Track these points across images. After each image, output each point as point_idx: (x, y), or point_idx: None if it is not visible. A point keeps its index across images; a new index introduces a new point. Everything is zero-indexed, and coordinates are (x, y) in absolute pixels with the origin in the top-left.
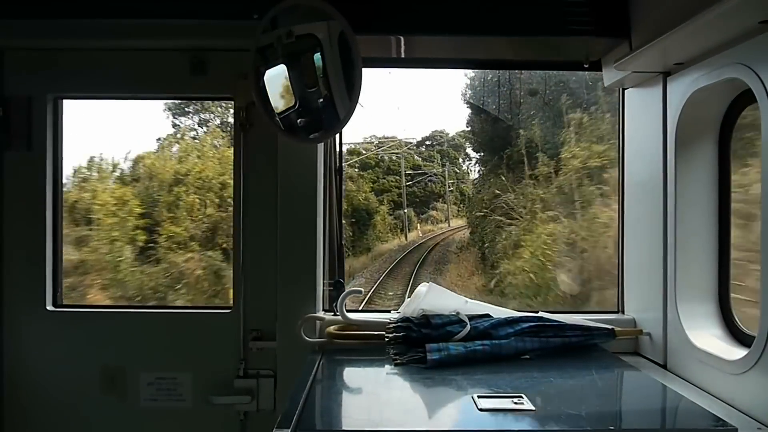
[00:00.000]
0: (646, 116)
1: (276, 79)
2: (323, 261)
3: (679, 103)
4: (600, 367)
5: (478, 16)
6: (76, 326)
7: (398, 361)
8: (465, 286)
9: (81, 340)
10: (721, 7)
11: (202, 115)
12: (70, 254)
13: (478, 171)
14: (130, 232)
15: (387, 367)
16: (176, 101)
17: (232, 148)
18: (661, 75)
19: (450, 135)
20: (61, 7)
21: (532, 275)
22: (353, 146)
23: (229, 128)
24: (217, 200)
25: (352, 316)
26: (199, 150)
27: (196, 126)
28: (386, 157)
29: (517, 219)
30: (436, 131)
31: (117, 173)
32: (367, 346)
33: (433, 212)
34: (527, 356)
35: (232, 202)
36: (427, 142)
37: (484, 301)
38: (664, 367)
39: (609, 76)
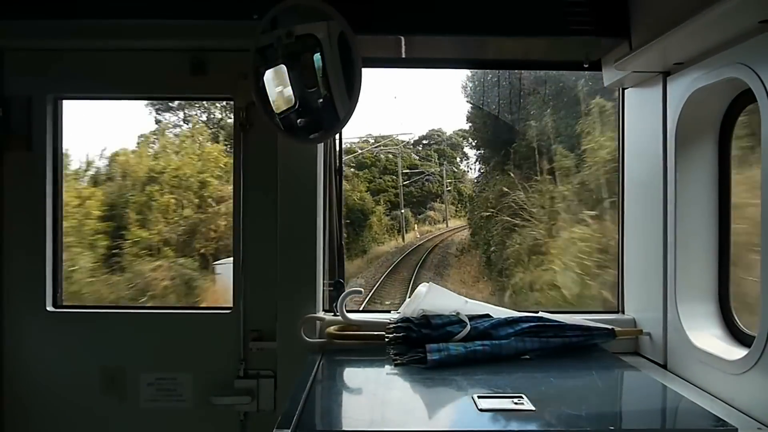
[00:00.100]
0: (646, 116)
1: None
2: (323, 261)
3: (679, 103)
4: (600, 367)
5: (478, 16)
6: (76, 327)
7: (398, 362)
8: (470, 296)
9: (81, 341)
10: (721, 7)
11: (188, 111)
12: None
13: (479, 169)
14: (90, 237)
15: (387, 367)
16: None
17: (232, 149)
18: (661, 75)
19: (448, 134)
20: (61, 8)
21: (565, 291)
22: (348, 145)
23: (213, 124)
24: (196, 200)
25: (352, 316)
26: (177, 146)
27: (182, 122)
28: (382, 156)
29: (530, 220)
30: (433, 130)
31: (92, 172)
32: (367, 347)
33: (431, 212)
34: (527, 356)
35: (212, 203)
36: (424, 141)
37: None
38: (664, 367)
39: (609, 76)
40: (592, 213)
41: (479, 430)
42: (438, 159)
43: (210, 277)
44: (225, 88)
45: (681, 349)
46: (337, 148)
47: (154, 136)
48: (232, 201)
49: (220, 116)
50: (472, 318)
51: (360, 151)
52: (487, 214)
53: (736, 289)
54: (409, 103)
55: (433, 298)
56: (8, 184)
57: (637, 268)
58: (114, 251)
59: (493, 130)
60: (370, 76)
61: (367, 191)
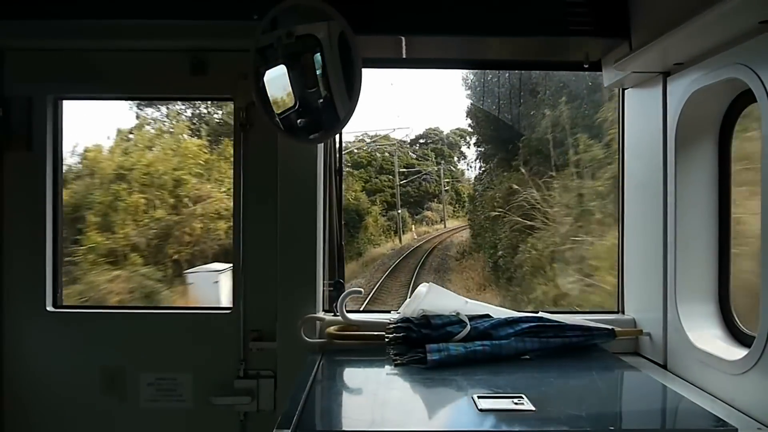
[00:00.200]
0: (646, 116)
1: (276, 79)
2: (323, 261)
3: (678, 103)
4: (600, 368)
5: (478, 17)
6: (76, 327)
7: (398, 362)
8: None
9: (81, 341)
10: (721, 7)
11: (172, 106)
12: None
13: (480, 167)
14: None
15: (387, 367)
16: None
17: (233, 149)
18: (660, 75)
19: (445, 132)
20: (61, 8)
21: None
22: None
23: (197, 119)
24: (171, 200)
25: (352, 316)
26: (150, 141)
27: (165, 118)
28: (378, 155)
29: (546, 221)
30: (430, 129)
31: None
32: (367, 347)
33: (428, 213)
34: (527, 356)
35: (188, 203)
36: (421, 140)
37: None
38: (664, 367)
39: (609, 76)
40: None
41: (479, 430)
42: (435, 158)
43: (180, 289)
44: (225, 88)
45: (681, 349)
46: (337, 148)
47: (131, 132)
48: (208, 201)
49: (206, 111)
50: (472, 318)
51: (356, 151)
52: (495, 213)
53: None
54: (406, 95)
55: (433, 298)
56: (8, 184)
57: (637, 268)
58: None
59: (496, 124)
60: (367, 71)
61: (362, 191)
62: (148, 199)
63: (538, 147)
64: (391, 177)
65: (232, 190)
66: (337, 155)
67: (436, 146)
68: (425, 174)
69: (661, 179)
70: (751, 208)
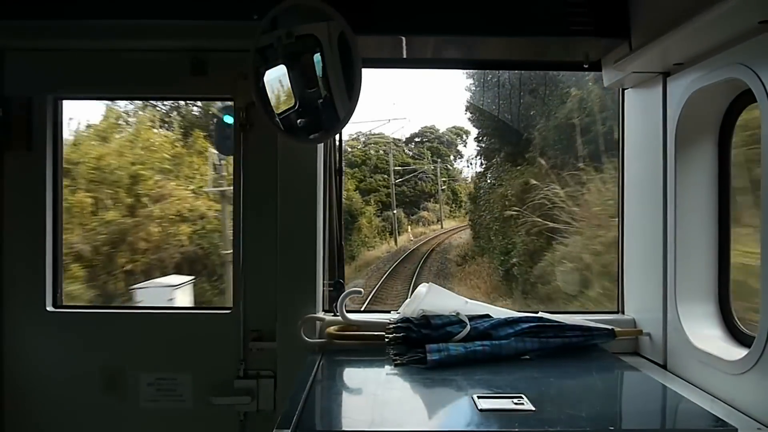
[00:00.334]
0: (646, 116)
1: (276, 79)
2: (323, 261)
3: (678, 103)
4: (600, 368)
5: (478, 17)
6: (76, 327)
7: (398, 362)
8: None
9: (81, 341)
10: (721, 7)
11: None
12: None
13: (482, 163)
14: None
15: (387, 367)
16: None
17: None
18: (660, 75)
19: (441, 131)
20: (61, 8)
21: None
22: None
23: (171, 109)
24: (130, 200)
25: (352, 316)
26: (103, 131)
27: (141, 111)
28: (372, 152)
29: (571, 223)
30: (425, 127)
31: None
32: (367, 347)
33: (425, 213)
34: (527, 356)
35: (147, 203)
36: (417, 139)
37: None
38: (664, 367)
39: (609, 76)
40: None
41: (479, 430)
42: (431, 157)
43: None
44: (225, 88)
45: (681, 350)
46: (337, 148)
47: (88, 122)
48: (169, 201)
49: (184, 101)
50: (472, 318)
51: (349, 149)
52: (506, 214)
53: None
54: (402, 83)
55: (433, 298)
56: (8, 184)
57: (637, 268)
58: None
59: (502, 115)
60: (366, 68)
61: (355, 190)
62: (96, 198)
63: (560, 135)
64: (386, 176)
65: (232, 190)
66: (337, 155)
67: (432, 145)
68: (421, 172)
69: (661, 179)
70: None
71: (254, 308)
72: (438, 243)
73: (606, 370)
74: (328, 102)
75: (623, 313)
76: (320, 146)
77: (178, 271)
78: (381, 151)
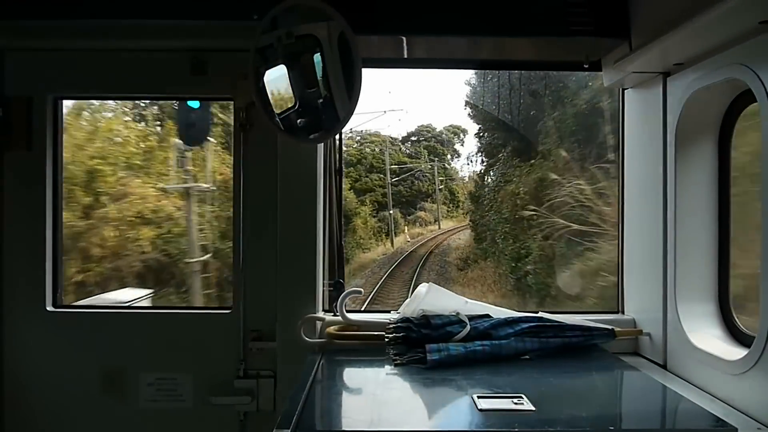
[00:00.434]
0: (646, 116)
1: (276, 79)
2: (323, 261)
3: (678, 104)
4: (600, 368)
5: (478, 17)
6: (76, 327)
7: (398, 362)
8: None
9: (81, 341)
10: (721, 7)
11: None
12: None
13: (483, 161)
14: None
15: (387, 367)
16: None
17: (233, 149)
18: (660, 75)
19: (438, 129)
20: (61, 8)
21: None
22: None
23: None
24: (88, 199)
25: (352, 316)
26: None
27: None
28: (368, 149)
29: (603, 225)
30: (422, 126)
31: None
32: (367, 347)
33: (422, 213)
34: (527, 356)
35: (105, 202)
36: (413, 138)
37: None
38: (664, 367)
39: (609, 76)
40: None
41: (479, 430)
42: (428, 156)
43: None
44: (225, 88)
45: (681, 350)
46: (337, 148)
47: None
48: (129, 201)
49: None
50: (471, 318)
51: (344, 148)
52: (525, 213)
53: None
54: (398, 79)
55: (432, 298)
56: (8, 184)
57: (637, 268)
58: None
59: (507, 106)
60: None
61: (350, 189)
62: None
63: (582, 122)
64: (381, 176)
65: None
66: (337, 155)
67: (429, 143)
68: (418, 171)
69: (661, 179)
70: None
71: (254, 308)
72: (436, 244)
73: (606, 370)
74: (328, 102)
75: (623, 313)
76: (320, 146)
77: (142, 282)
78: (377, 150)
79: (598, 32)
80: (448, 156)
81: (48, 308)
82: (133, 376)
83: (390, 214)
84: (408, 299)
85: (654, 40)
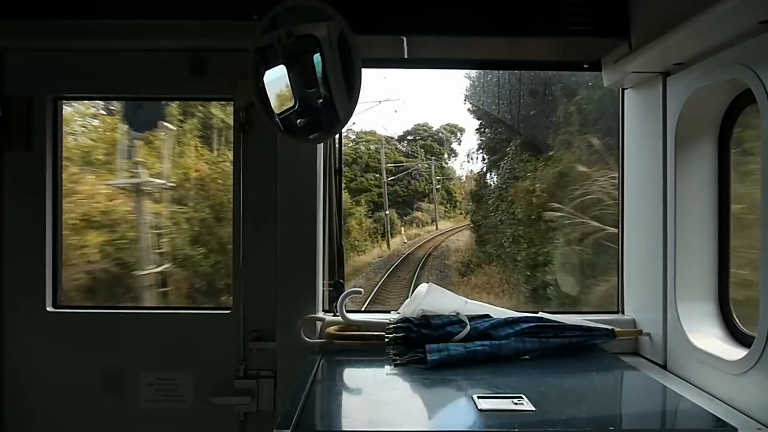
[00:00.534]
0: (645, 116)
1: (276, 79)
2: (323, 261)
3: (678, 103)
4: (600, 368)
5: (478, 17)
6: (75, 327)
7: (398, 362)
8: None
9: (81, 341)
10: (721, 7)
11: None
12: None
13: (484, 158)
14: None
15: (387, 367)
16: None
17: (233, 149)
18: (660, 75)
19: (434, 128)
20: (61, 8)
21: None
22: None
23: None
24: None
25: (352, 316)
26: None
27: None
28: (362, 147)
29: None
30: (418, 125)
31: None
32: (367, 347)
33: (418, 213)
34: (527, 357)
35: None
36: (409, 137)
37: None
38: (664, 367)
39: (609, 76)
40: None
41: (479, 431)
42: (425, 155)
43: None
44: (225, 88)
45: (681, 350)
46: (337, 148)
47: None
48: (75, 200)
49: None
50: (471, 318)
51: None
52: (556, 214)
53: None
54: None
55: (432, 298)
56: (8, 184)
57: (637, 268)
58: None
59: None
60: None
61: (345, 189)
62: None
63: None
64: (377, 175)
65: (232, 191)
66: (337, 155)
67: (426, 142)
68: (414, 169)
69: (661, 179)
70: None
71: (254, 308)
72: (434, 246)
73: (606, 370)
74: (328, 102)
75: (623, 313)
76: (320, 146)
77: (90, 297)
78: (372, 149)
79: (597, 32)
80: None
81: (48, 309)
82: (133, 377)
83: (386, 214)
84: (408, 299)
85: (654, 40)
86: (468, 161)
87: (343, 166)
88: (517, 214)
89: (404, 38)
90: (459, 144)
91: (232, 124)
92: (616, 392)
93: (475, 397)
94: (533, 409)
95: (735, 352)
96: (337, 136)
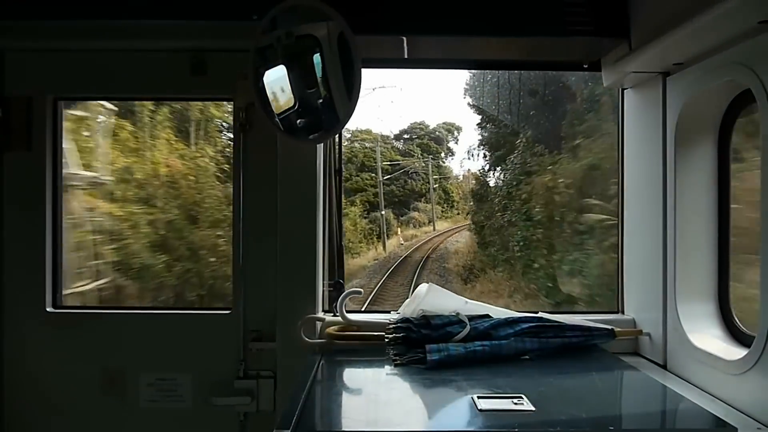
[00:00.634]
0: (645, 116)
1: (276, 79)
2: (323, 261)
3: (678, 103)
4: (600, 368)
5: (478, 17)
6: (75, 327)
7: (398, 362)
8: None
9: (81, 342)
10: (720, 7)
11: None
12: None
13: (485, 155)
14: None
15: (387, 367)
16: None
17: (232, 149)
18: (660, 75)
19: (431, 127)
20: (61, 8)
21: None
22: None
23: None
24: None
25: (352, 316)
26: None
27: None
28: (357, 145)
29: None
30: (415, 123)
31: None
32: (367, 347)
33: (415, 213)
34: (527, 357)
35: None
36: (405, 136)
37: None
38: (664, 367)
39: (608, 76)
40: None
41: (479, 431)
42: (421, 154)
43: None
44: (225, 88)
45: (681, 350)
46: (337, 149)
47: None
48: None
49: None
50: (471, 318)
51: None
52: (600, 217)
53: None
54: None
55: (432, 298)
56: (8, 184)
57: (637, 268)
58: None
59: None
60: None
61: None
62: None
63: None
64: (373, 174)
65: (232, 191)
66: (337, 155)
67: (422, 141)
68: (411, 170)
69: (661, 179)
70: None
71: (254, 308)
72: (432, 248)
73: (606, 370)
74: (328, 102)
75: (623, 313)
76: (320, 146)
77: None
78: (367, 147)
79: (597, 32)
80: (442, 154)
81: (48, 309)
82: (133, 377)
83: (382, 214)
84: (408, 299)
85: (654, 40)
86: (468, 158)
87: (343, 166)
88: (533, 214)
89: (404, 38)
90: (456, 143)
91: (232, 124)
92: (616, 392)
93: (475, 397)
94: (533, 409)
95: (735, 352)
96: (336, 136)
